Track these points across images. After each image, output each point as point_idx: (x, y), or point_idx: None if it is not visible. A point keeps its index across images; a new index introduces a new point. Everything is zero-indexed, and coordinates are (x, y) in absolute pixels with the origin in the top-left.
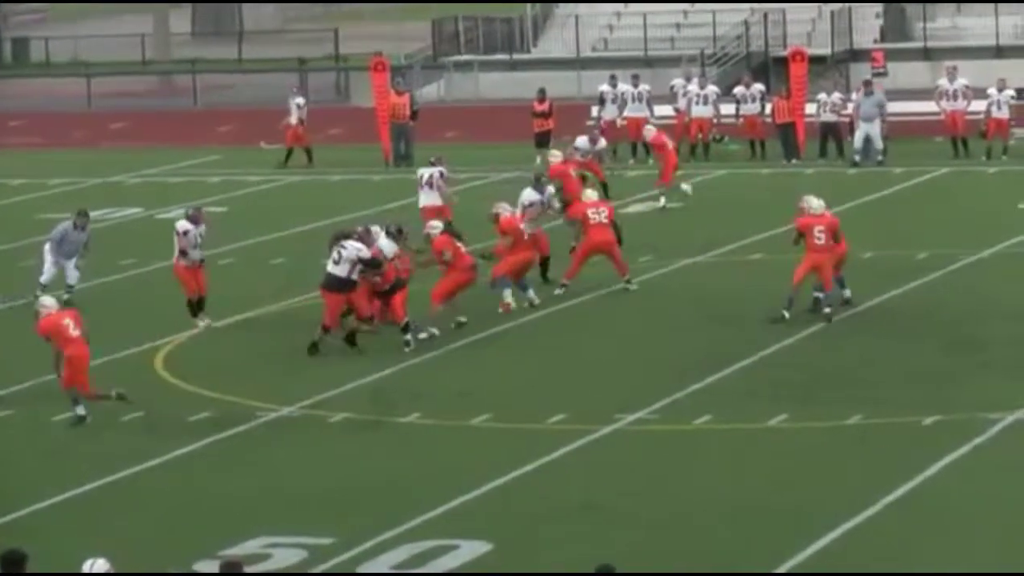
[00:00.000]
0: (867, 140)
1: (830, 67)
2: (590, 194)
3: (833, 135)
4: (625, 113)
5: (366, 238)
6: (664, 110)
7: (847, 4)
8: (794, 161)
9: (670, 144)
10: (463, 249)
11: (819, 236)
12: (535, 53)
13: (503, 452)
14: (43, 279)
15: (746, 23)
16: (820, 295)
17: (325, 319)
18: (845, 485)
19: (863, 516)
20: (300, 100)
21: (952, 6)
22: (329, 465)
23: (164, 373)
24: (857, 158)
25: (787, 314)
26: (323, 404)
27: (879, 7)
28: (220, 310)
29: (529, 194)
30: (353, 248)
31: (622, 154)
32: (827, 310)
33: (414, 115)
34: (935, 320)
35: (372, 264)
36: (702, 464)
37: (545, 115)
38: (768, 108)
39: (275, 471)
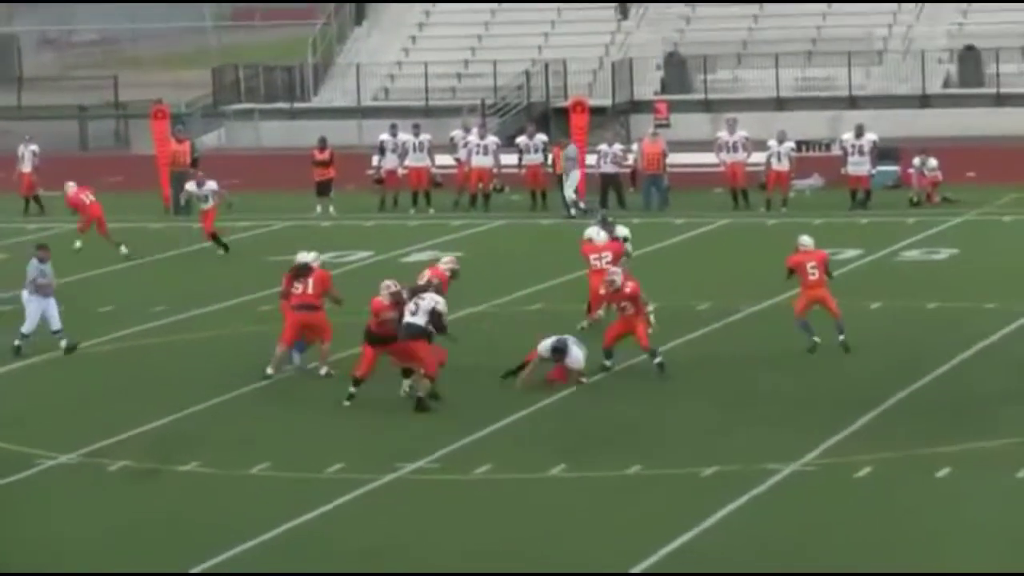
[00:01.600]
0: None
1: (611, 118)
2: (592, 235)
3: (614, 186)
4: (406, 162)
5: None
6: (445, 160)
7: (628, 56)
8: (574, 212)
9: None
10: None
11: (812, 271)
12: (316, 102)
13: (282, 501)
14: (26, 328)
15: (527, 73)
16: (654, 357)
17: (427, 368)
18: (623, 536)
19: (642, 566)
20: (35, 147)
21: (733, 58)
22: (106, 513)
23: None
24: (573, 212)
25: (817, 339)
26: (102, 452)
27: (659, 59)
28: None
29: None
30: (431, 299)
31: (403, 204)
32: (841, 337)
33: (194, 163)
34: (715, 371)
35: (438, 323)
36: (483, 513)
37: (325, 164)
38: (550, 158)
39: (51, 519)
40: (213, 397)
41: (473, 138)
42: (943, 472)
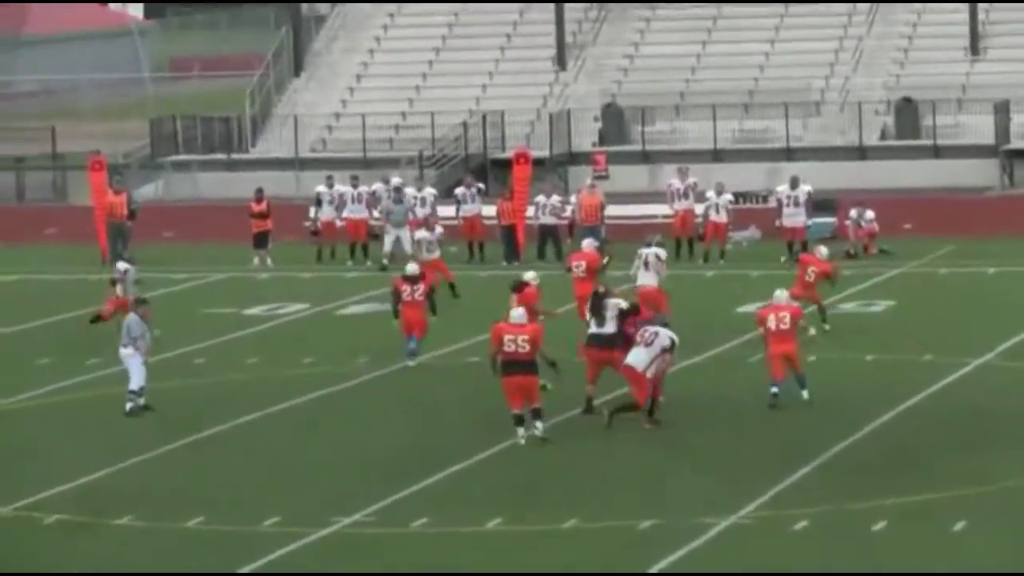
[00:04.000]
0: (397, 242)
1: (549, 169)
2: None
3: (552, 237)
4: (344, 214)
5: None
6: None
7: (566, 107)
8: (514, 263)
9: None
10: None
11: (809, 274)
12: (253, 153)
13: (217, 555)
14: (134, 384)
15: (465, 125)
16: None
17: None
18: None
19: None
20: None
21: (671, 109)
22: (42, 567)
23: None
24: (385, 261)
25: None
26: (38, 505)
27: (597, 110)
28: None
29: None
30: (613, 304)
31: (341, 255)
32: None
33: (132, 214)
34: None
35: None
36: (420, 568)
37: (263, 215)
38: (489, 210)
39: None
40: (149, 450)
41: (410, 190)
42: (880, 525)
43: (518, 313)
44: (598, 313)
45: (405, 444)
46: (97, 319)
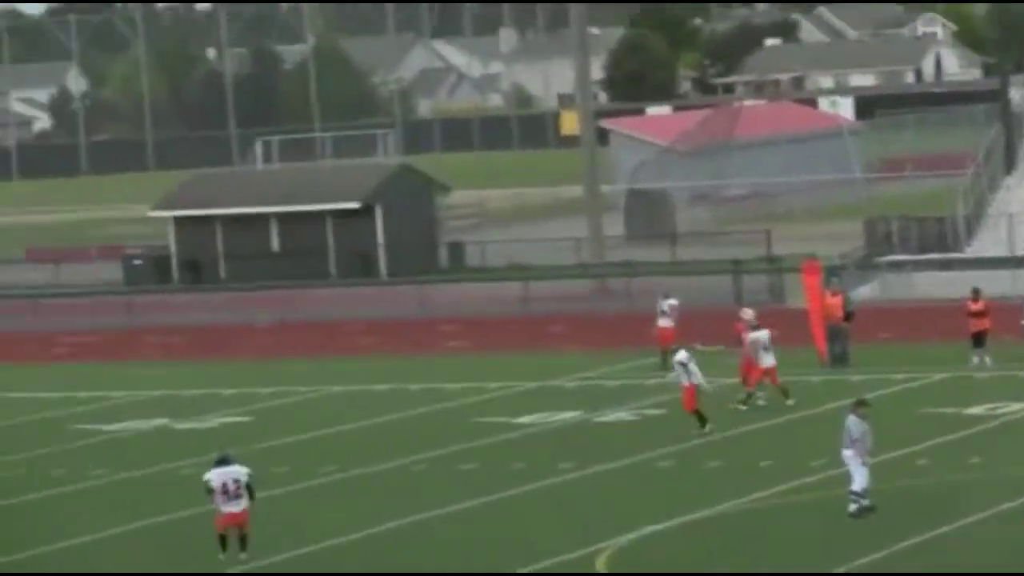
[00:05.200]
0: None
1: None
2: None
3: None
4: None
5: None
6: None
7: None
8: None
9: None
10: None
11: None
12: (968, 252)
13: None
14: (856, 486)
15: None
16: None
17: None
18: None
19: None
20: (672, 302)
21: None
22: None
23: None
24: None
25: None
26: None
27: None
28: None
29: None
30: None
31: None
32: None
33: (848, 316)
34: None
35: None
36: None
37: (981, 314)
38: None
39: None
40: (874, 551)
41: None
42: None
43: None
44: None
45: None
46: None
